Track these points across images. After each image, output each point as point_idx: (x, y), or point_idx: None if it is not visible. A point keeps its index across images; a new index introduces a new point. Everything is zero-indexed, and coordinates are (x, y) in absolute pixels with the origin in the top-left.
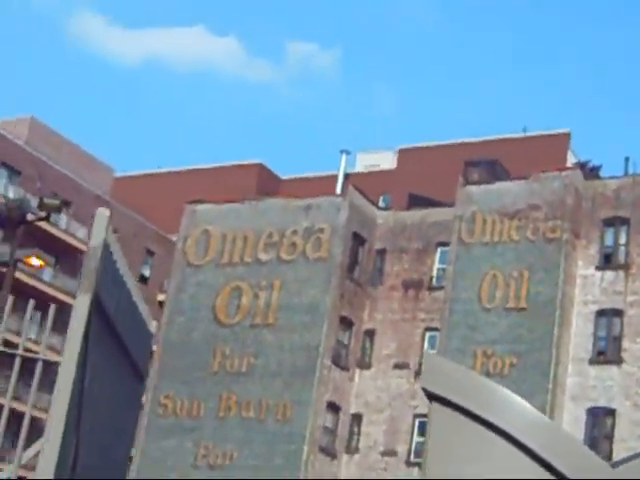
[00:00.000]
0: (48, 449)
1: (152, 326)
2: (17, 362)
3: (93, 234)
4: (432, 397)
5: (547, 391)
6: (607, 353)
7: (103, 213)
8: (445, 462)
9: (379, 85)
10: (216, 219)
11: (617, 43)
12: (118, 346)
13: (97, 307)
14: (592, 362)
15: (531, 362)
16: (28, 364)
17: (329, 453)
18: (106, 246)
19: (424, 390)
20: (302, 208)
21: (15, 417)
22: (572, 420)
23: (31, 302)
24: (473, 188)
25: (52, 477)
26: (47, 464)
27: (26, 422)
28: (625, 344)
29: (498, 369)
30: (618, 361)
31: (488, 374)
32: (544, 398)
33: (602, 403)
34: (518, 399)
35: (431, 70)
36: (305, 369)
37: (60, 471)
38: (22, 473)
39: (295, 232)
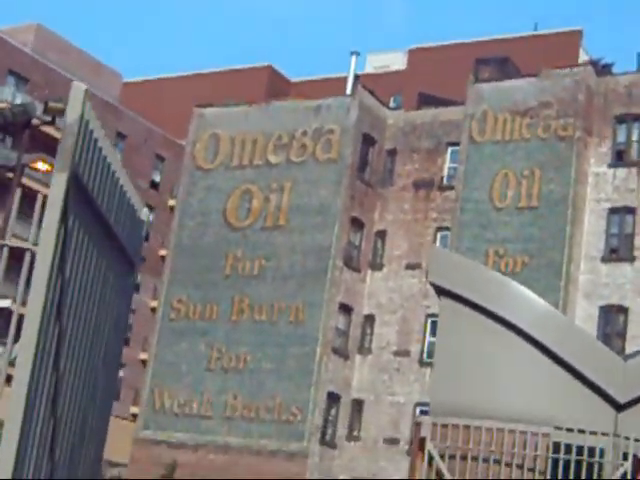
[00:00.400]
0: (24, 346)
1: (143, 213)
2: (26, 260)
3: (68, 109)
4: (441, 291)
5: (559, 289)
6: (619, 251)
7: (79, 87)
8: (454, 356)
9: None
10: (225, 122)
11: None
12: (104, 230)
13: (77, 187)
14: (604, 260)
15: (543, 261)
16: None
17: (342, 354)
18: (86, 123)
19: (432, 284)
20: (311, 109)
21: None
22: (585, 317)
23: (38, 206)
24: (484, 86)
25: (29, 372)
26: (24, 361)
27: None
28: (637, 242)
29: (510, 268)
30: (630, 259)
31: (500, 273)
32: (556, 296)
33: (614, 300)
34: (530, 293)
35: None
36: (317, 271)
37: (39, 367)
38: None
39: (305, 133)
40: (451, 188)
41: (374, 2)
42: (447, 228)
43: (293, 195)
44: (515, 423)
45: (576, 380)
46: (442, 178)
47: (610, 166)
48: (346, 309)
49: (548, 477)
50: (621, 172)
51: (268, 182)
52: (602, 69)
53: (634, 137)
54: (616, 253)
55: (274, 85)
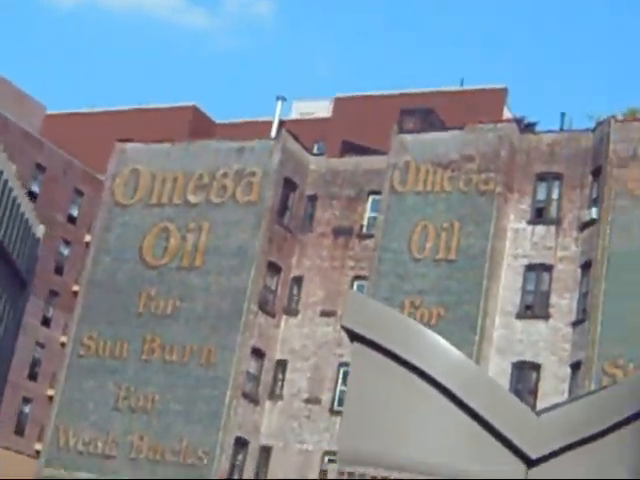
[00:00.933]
0: None
1: (39, 231)
2: None
3: None
4: (353, 336)
5: (474, 343)
6: (534, 307)
7: None
8: (364, 403)
9: (317, 34)
10: (146, 159)
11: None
12: None
13: None
14: (519, 316)
15: (459, 314)
16: None
17: (252, 399)
18: None
19: (345, 329)
20: (234, 150)
21: None
22: (498, 373)
23: None
24: (407, 137)
25: None
26: None
27: None
28: (553, 299)
29: (425, 320)
30: (545, 316)
31: None
32: (470, 350)
33: (528, 357)
34: (445, 343)
35: (369, 20)
36: (231, 314)
37: None
38: None
39: (226, 175)
40: (370, 237)
41: (302, 49)
42: (364, 277)
43: (211, 236)
44: (425, 476)
45: (488, 433)
46: (362, 227)
47: (529, 223)
48: (259, 354)
49: None
50: (540, 229)
51: (186, 221)
52: (525, 127)
53: (554, 195)
54: (531, 310)
55: (198, 125)
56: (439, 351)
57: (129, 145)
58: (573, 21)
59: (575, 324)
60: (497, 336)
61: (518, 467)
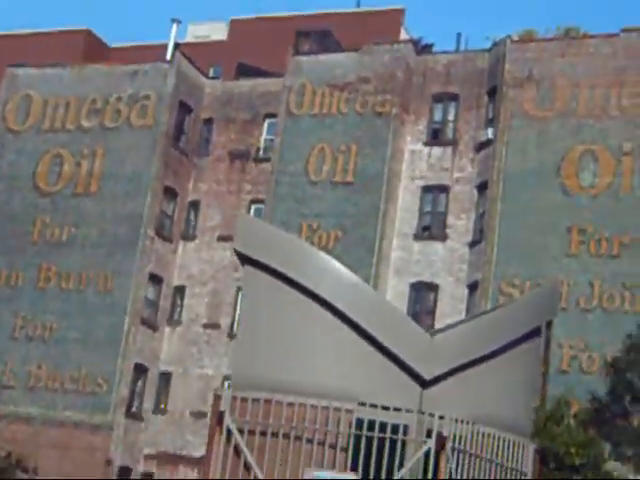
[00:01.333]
0: None
1: None
2: None
3: None
4: (245, 259)
5: (371, 265)
6: (432, 229)
7: None
8: (256, 327)
9: None
10: (38, 84)
11: None
12: None
13: None
14: (417, 237)
15: (356, 236)
16: None
17: (151, 325)
18: None
19: (236, 252)
20: (127, 74)
21: None
22: (395, 294)
23: None
24: (303, 58)
25: None
26: None
27: None
28: (450, 220)
29: (323, 243)
30: (442, 237)
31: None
32: (368, 272)
33: (425, 278)
34: (339, 266)
35: None
36: (127, 239)
37: None
38: None
39: (120, 99)
40: (267, 160)
41: None
42: (261, 201)
43: (105, 161)
44: (318, 398)
45: (382, 355)
46: (258, 150)
47: (425, 144)
48: (156, 279)
49: (351, 454)
50: (436, 151)
51: (80, 147)
52: (422, 48)
53: (450, 117)
54: (428, 231)
55: (91, 49)
56: (331, 273)
57: (21, 70)
58: None
59: (472, 245)
60: (395, 258)
61: (413, 389)
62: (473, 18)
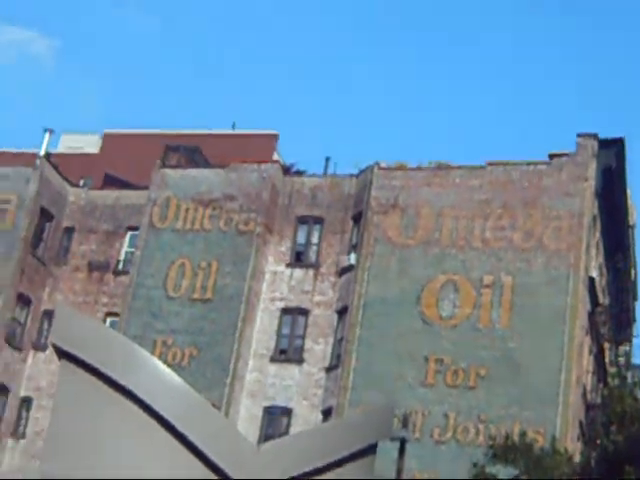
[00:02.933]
0: None
1: None
2: None
3: None
4: (61, 353)
5: (225, 385)
6: (289, 352)
7: None
8: (71, 427)
9: (92, 78)
10: None
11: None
12: None
13: None
14: (273, 360)
15: (212, 355)
16: None
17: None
18: None
19: (53, 345)
20: None
21: None
22: (248, 417)
23: None
24: (169, 172)
25: None
26: None
27: None
28: (308, 344)
29: (177, 360)
30: (299, 360)
31: (167, 364)
32: (221, 392)
33: (280, 402)
34: (159, 364)
35: (147, 66)
36: None
37: None
38: None
39: None
40: (126, 273)
41: (75, 88)
42: (118, 314)
43: None
44: None
45: (201, 463)
46: (118, 262)
47: (288, 265)
48: (3, 390)
49: None
50: (298, 273)
51: None
52: (289, 170)
53: (314, 239)
54: (285, 354)
55: None
56: (151, 371)
57: None
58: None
59: (328, 370)
60: (250, 379)
61: None
62: (345, 148)
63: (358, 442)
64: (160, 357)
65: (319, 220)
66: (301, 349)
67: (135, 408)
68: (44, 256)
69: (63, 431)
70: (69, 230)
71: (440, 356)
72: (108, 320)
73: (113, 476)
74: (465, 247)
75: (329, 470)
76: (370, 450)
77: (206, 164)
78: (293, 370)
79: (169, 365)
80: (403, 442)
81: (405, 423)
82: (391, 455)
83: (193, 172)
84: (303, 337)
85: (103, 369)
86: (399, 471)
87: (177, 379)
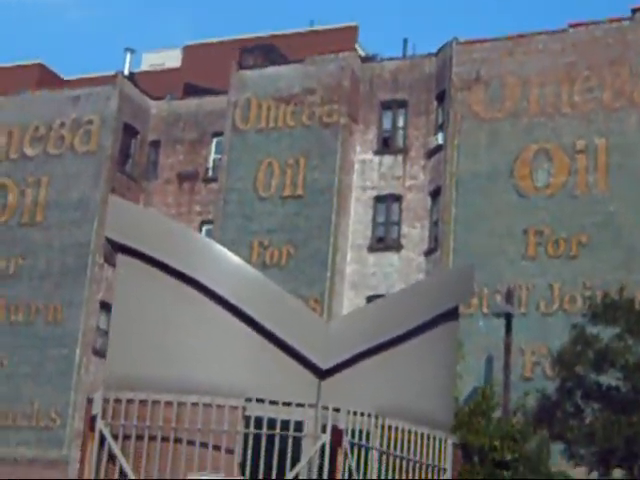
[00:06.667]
0: None
1: None
2: None
3: None
4: (118, 247)
5: (326, 280)
6: (386, 239)
7: None
8: (133, 321)
9: None
10: None
11: None
12: None
13: None
14: (371, 249)
15: (309, 251)
16: None
17: (103, 355)
18: None
19: (108, 240)
20: (70, 99)
21: None
22: (351, 308)
23: None
24: (247, 73)
25: None
26: None
27: None
28: (404, 230)
29: (275, 259)
30: (397, 247)
31: (265, 265)
32: (323, 287)
33: (382, 290)
34: (226, 252)
35: None
36: (76, 268)
37: None
38: None
39: (63, 125)
40: (216, 180)
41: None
42: (212, 221)
43: (51, 189)
44: (201, 396)
45: (274, 346)
46: (207, 170)
47: (376, 153)
48: (107, 307)
49: (241, 455)
50: (387, 159)
51: (24, 176)
52: (367, 57)
53: (400, 124)
54: (382, 242)
55: (45, 82)
56: (213, 257)
57: None
58: None
59: (427, 253)
60: (350, 271)
61: (310, 381)
62: (424, 29)
63: (437, 306)
64: (258, 258)
65: (403, 103)
66: (398, 235)
67: (197, 295)
68: (133, 172)
69: (125, 328)
70: (155, 144)
71: (539, 228)
72: (204, 228)
73: (182, 370)
74: (554, 114)
75: (411, 337)
76: (452, 315)
77: (282, 60)
78: (392, 257)
79: (267, 266)
80: (509, 317)
81: (509, 298)
82: (498, 332)
83: (270, 70)
84: (399, 223)
85: (163, 258)
86: (507, 347)
87: (239, 261)
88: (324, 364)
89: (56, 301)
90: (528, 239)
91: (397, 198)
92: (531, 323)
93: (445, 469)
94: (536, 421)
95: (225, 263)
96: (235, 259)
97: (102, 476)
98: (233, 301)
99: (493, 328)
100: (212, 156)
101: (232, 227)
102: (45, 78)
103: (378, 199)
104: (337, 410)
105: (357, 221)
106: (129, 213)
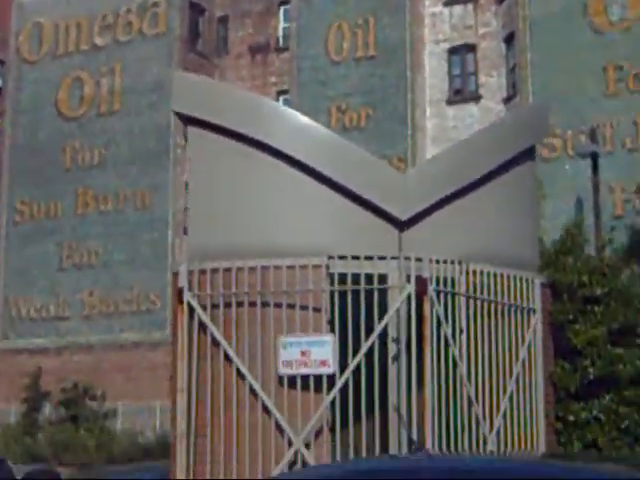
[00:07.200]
0: None
1: None
2: None
3: None
4: (188, 120)
5: (407, 137)
6: (464, 90)
7: None
8: (210, 192)
9: None
10: (46, 10)
11: None
12: None
13: None
14: (450, 102)
15: (388, 110)
16: None
17: None
18: None
19: (175, 113)
20: None
21: None
22: None
23: None
24: None
25: None
26: None
27: None
28: (481, 79)
29: (355, 122)
30: (476, 97)
31: (345, 129)
32: (405, 145)
33: None
34: (290, 111)
35: None
36: (158, 152)
37: None
38: None
39: (129, 10)
40: (288, 49)
41: None
42: (288, 91)
43: (125, 76)
44: (282, 258)
45: (351, 202)
46: (277, 39)
47: (445, 4)
48: None
49: (328, 312)
50: (457, 10)
51: (98, 66)
52: None
53: None
54: (460, 93)
55: None
56: (282, 120)
57: None
58: None
59: (507, 100)
60: (430, 126)
61: (391, 234)
62: None
63: (513, 147)
64: (337, 123)
65: None
66: (476, 86)
67: (271, 159)
68: (205, 50)
69: (202, 199)
70: (223, 19)
71: (618, 63)
72: (281, 98)
73: (262, 234)
74: None
75: (489, 180)
76: (529, 155)
77: None
78: (472, 108)
79: (348, 129)
80: (595, 157)
81: (594, 137)
82: (585, 172)
83: None
84: (475, 73)
85: (233, 126)
86: (596, 186)
87: (308, 120)
88: (403, 215)
89: (143, 186)
90: (608, 76)
91: (471, 48)
92: (618, 161)
93: (534, 309)
94: (627, 256)
95: (296, 125)
96: (305, 120)
97: (194, 346)
98: (306, 161)
99: (580, 169)
100: (281, 25)
101: (308, 94)
102: None
103: (452, 51)
104: (420, 260)
105: (433, 75)
106: (194, 85)
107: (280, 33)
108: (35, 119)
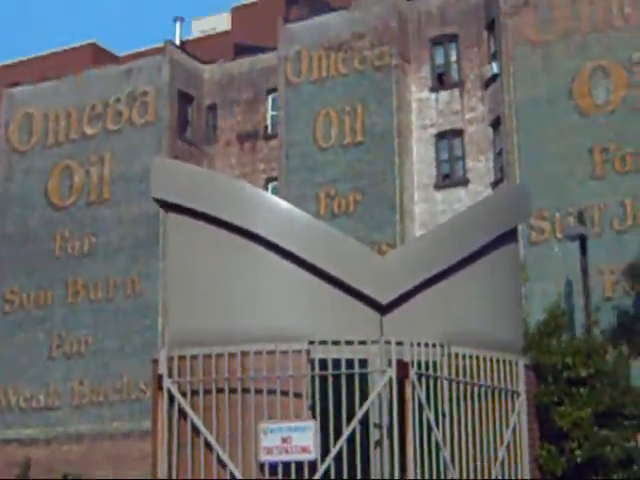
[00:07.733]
0: None
1: None
2: None
3: None
4: (167, 206)
5: (396, 222)
6: (452, 175)
7: None
8: (188, 278)
9: None
10: (36, 100)
11: None
12: None
13: None
14: (438, 186)
15: (376, 196)
16: None
17: None
18: None
19: (155, 200)
20: (122, 74)
21: None
22: None
23: None
24: (294, 26)
25: None
26: None
27: None
28: (469, 164)
29: (343, 208)
30: (464, 182)
31: (334, 215)
32: (393, 230)
33: None
34: (271, 197)
35: None
36: (148, 240)
37: None
38: None
39: (118, 100)
40: (276, 136)
41: None
42: (277, 178)
43: (114, 165)
44: (263, 343)
45: (333, 287)
46: (266, 127)
47: (432, 90)
48: None
49: (309, 398)
50: (444, 95)
51: (87, 155)
52: None
53: (452, 58)
54: (449, 178)
55: (100, 61)
56: (263, 206)
57: (17, 89)
58: None
59: (494, 184)
60: (419, 210)
61: (371, 317)
62: None
63: (494, 229)
64: (326, 209)
65: (453, 37)
66: (463, 170)
67: (250, 244)
68: (194, 138)
69: (181, 285)
70: (212, 107)
71: (604, 145)
72: (270, 186)
73: (242, 320)
74: (607, 29)
75: (470, 263)
76: (510, 237)
77: (328, 9)
78: (459, 193)
79: (336, 215)
80: (583, 239)
81: (581, 219)
82: (574, 255)
83: (316, 20)
84: (463, 158)
85: (212, 212)
86: (584, 268)
87: (288, 207)
88: (384, 299)
89: (133, 274)
90: (594, 158)
91: (458, 133)
92: (606, 242)
93: (518, 392)
94: (615, 337)
95: (277, 210)
96: (286, 205)
97: (175, 433)
98: (287, 247)
99: (569, 252)
100: (269, 113)
101: (297, 181)
102: (99, 57)
103: (439, 136)
104: (400, 344)
105: (420, 160)
106: (173, 171)
107: (269, 121)
108: (25, 208)
